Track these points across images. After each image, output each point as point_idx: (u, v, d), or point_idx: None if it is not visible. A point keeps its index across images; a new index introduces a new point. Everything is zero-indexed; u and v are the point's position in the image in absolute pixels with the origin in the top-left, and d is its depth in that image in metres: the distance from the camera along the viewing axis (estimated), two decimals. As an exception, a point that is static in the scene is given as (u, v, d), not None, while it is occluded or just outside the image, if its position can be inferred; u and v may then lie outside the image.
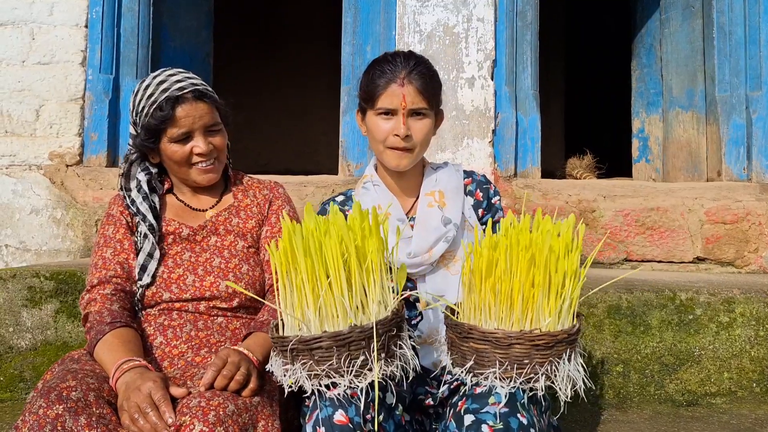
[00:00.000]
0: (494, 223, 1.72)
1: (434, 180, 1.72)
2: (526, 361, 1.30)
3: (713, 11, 3.13)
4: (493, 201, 1.75)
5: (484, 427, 1.29)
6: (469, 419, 1.31)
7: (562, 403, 1.33)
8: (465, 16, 2.96)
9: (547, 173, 4.15)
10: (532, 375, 1.30)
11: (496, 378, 1.31)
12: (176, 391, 1.35)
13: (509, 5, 3.02)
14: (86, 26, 3.02)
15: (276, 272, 1.35)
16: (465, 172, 1.77)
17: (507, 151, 3.01)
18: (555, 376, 1.31)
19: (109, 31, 3.01)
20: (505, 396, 1.32)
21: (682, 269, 2.81)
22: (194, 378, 1.47)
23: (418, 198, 1.72)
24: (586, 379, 1.34)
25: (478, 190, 1.75)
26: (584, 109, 6.13)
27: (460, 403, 1.37)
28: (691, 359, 2.08)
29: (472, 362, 1.34)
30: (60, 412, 1.29)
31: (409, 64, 1.63)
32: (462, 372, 1.35)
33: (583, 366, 1.35)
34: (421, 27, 2.96)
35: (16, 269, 2.28)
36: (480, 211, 1.73)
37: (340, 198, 1.81)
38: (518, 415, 1.30)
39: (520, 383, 1.30)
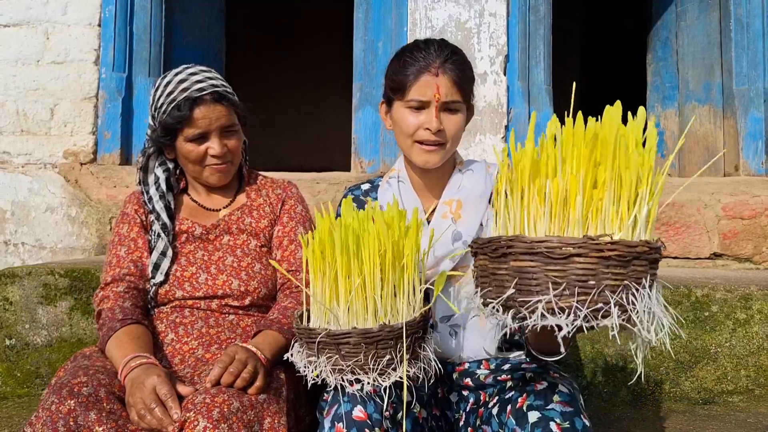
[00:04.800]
0: None
1: (457, 186, 1.61)
2: (592, 283, 0.93)
3: (730, 3, 3.08)
4: None
5: (552, 425, 1.24)
6: (534, 416, 1.27)
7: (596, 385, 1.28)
8: (477, 11, 2.94)
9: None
10: (600, 305, 0.94)
11: (549, 311, 0.95)
12: (183, 389, 1.36)
13: (522, 0, 2.99)
14: (99, 25, 3.04)
15: (307, 263, 1.34)
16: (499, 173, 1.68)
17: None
18: (633, 308, 0.96)
19: (121, 29, 3.03)
20: (568, 395, 1.28)
21: (699, 265, 2.77)
22: (203, 375, 1.48)
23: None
24: (673, 326, 0.99)
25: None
26: (600, 103, 6.06)
27: (520, 399, 1.32)
28: (707, 357, 2.05)
29: (512, 290, 0.97)
30: (72, 407, 1.30)
31: (444, 52, 1.51)
32: (496, 307, 1.02)
33: (666, 306, 1.00)
34: (433, 22, 2.94)
35: (31, 267, 2.31)
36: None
37: (366, 186, 1.74)
38: (582, 416, 1.26)
39: (584, 317, 0.94)
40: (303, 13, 6.43)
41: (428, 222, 1.62)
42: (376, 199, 1.68)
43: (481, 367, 1.52)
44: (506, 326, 1.05)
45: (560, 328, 0.96)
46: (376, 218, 1.26)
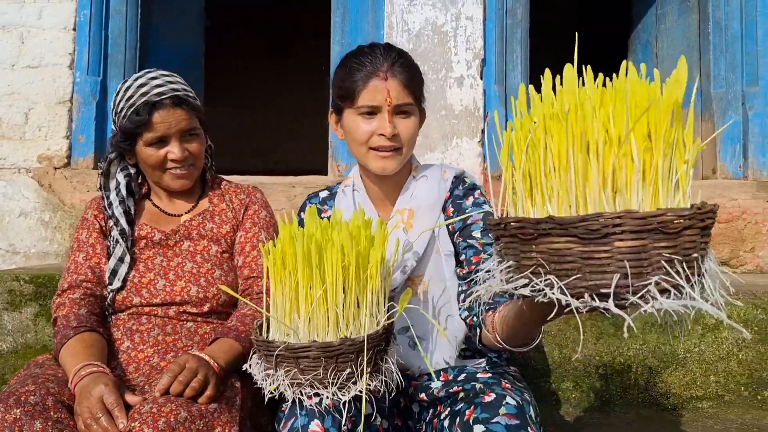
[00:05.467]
0: (465, 229, 1.52)
1: (410, 194, 1.57)
2: (644, 257, 0.82)
3: (709, 5, 3.07)
4: (467, 211, 1.55)
5: None
6: (479, 429, 1.24)
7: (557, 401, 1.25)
8: (453, 15, 2.93)
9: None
10: (647, 282, 0.82)
11: (592, 295, 0.84)
12: (131, 398, 1.34)
13: (498, 3, 2.98)
14: (74, 29, 3.02)
15: (267, 274, 1.31)
16: (456, 179, 1.60)
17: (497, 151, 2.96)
18: (694, 281, 0.83)
19: (96, 33, 3.01)
20: (515, 407, 1.25)
21: (675, 269, 2.75)
22: (157, 384, 1.46)
23: None
24: (719, 305, 0.85)
25: (451, 206, 1.58)
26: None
27: (468, 412, 1.30)
28: (675, 362, 2.03)
29: (551, 275, 0.86)
30: (18, 416, 1.29)
31: (391, 55, 1.49)
32: (532, 287, 0.90)
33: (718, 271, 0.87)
34: (410, 26, 2.93)
35: (-2, 273, 2.29)
36: (450, 227, 1.56)
37: (324, 194, 1.72)
38: (529, 428, 1.23)
39: (630, 302, 0.83)
40: (300, 16, 6.44)
41: None
42: (332, 206, 1.67)
43: (439, 379, 1.50)
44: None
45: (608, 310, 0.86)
46: (341, 228, 1.24)
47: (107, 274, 1.66)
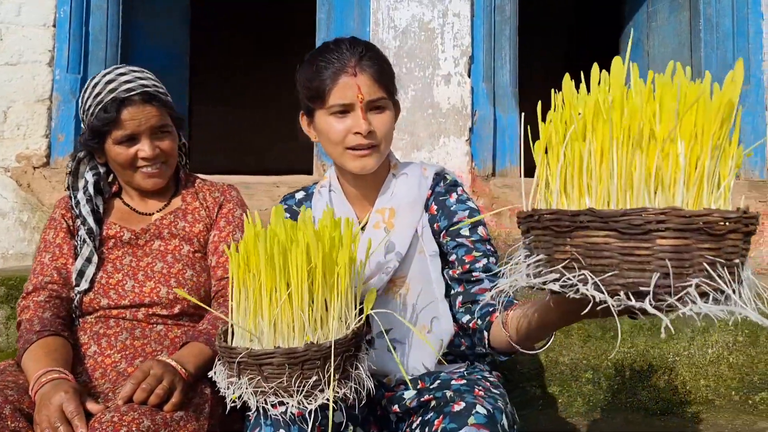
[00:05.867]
0: (452, 228, 1.47)
1: (390, 192, 1.52)
2: (687, 257, 0.79)
3: (700, 3, 3.03)
4: (452, 208, 1.49)
5: None
6: None
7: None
8: (441, 11, 2.87)
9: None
10: (687, 283, 0.79)
11: (628, 293, 0.80)
12: (92, 406, 1.28)
13: (486, 0, 2.93)
14: (54, 26, 2.96)
15: (231, 277, 1.26)
16: (437, 176, 1.55)
17: (485, 150, 2.92)
18: (734, 287, 0.80)
19: (77, 30, 2.95)
20: (485, 416, 1.19)
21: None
22: (122, 390, 1.40)
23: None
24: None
25: (434, 204, 1.52)
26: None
27: (437, 422, 1.24)
28: (664, 366, 1.98)
29: (585, 270, 0.82)
30: None
31: (357, 50, 1.43)
32: (563, 282, 0.85)
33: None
34: (396, 22, 2.88)
35: (-31, 274, 2.22)
36: (435, 225, 1.51)
37: (300, 195, 1.67)
38: None
39: (669, 303, 0.79)
40: (296, 15, 6.38)
41: (362, 232, 1.54)
42: (309, 207, 1.61)
43: (416, 387, 1.44)
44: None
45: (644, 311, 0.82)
46: (306, 229, 1.18)
47: (74, 275, 1.60)
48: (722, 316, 0.79)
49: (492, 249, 1.47)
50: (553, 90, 0.98)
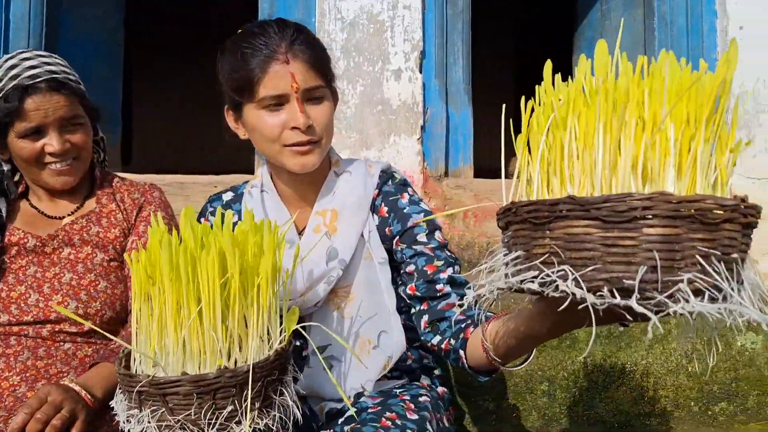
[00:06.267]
0: (407, 233, 1.33)
1: (332, 192, 1.37)
2: (677, 249, 0.70)
3: (654, 0, 2.97)
4: (405, 210, 1.36)
5: None
6: None
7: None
8: (390, 3, 2.73)
9: (491, 172, 3.96)
10: (679, 278, 0.70)
11: (612, 289, 0.71)
12: None
13: (438, -8, 2.80)
14: (-31, 12, 2.71)
15: (134, 291, 1.09)
16: (383, 173, 1.41)
17: (437, 149, 2.79)
18: (732, 285, 0.71)
19: (-6, 17, 2.71)
20: None
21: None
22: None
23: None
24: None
25: (384, 204, 1.38)
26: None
27: None
28: (623, 376, 1.88)
29: (565, 265, 0.73)
30: None
31: (287, 33, 1.28)
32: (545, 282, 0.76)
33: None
34: (343, 14, 2.73)
35: None
36: (387, 230, 1.37)
37: (228, 195, 1.50)
38: None
39: (657, 300, 0.70)
40: (238, 8, 6.15)
41: (300, 237, 1.39)
42: (239, 211, 1.44)
43: (354, 405, 1.30)
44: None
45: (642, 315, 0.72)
46: (220, 234, 1.02)
47: None
48: (719, 316, 0.69)
49: (453, 256, 1.34)
50: (537, 86, 0.92)
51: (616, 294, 0.70)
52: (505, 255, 0.85)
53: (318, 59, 1.30)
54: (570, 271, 0.73)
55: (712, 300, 0.70)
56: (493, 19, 4.82)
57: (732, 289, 0.70)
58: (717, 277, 0.70)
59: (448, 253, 1.33)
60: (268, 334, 1.04)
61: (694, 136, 0.77)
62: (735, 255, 0.72)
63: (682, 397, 1.87)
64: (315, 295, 1.33)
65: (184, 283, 0.99)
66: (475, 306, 1.05)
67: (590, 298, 0.70)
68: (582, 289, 0.71)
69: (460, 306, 1.26)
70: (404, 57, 2.74)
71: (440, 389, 1.43)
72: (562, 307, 0.73)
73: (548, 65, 0.90)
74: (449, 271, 1.30)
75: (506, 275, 0.82)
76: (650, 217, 0.71)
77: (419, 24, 2.74)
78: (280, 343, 1.04)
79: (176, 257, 0.99)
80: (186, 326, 0.99)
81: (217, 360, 0.99)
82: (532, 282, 0.76)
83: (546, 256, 0.76)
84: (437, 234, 1.35)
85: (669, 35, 2.93)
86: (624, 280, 0.70)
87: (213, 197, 1.51)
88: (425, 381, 1.44)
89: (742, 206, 0.73)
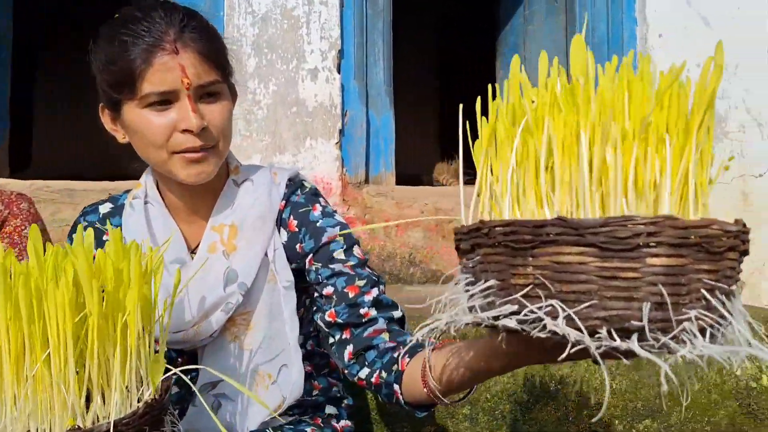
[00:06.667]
0: (321, 250, 1.17)
1: (230, 205, 1.19)
2: (683, 281, 0.62)
3: (576, 6, 2.95)
4: (318, 223, 1.19)
5: None
6: None
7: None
8: (306, -2, 2.57)
9: (416, 179, 3.86)
10: (685, 316, 0.62)
11: (610, 330, 0.62)
12: None
13: (357, -12, 2.66)
14: None
15: None
16: (291, 182, 1.24)
17: (357, 154, 2.65)
18: (740, 322, 0.63)
19: None
20: None
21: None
22: None
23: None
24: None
25: (293, 218, 1.21)
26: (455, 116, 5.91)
27: None
28: (547, 395, 1.79)
29: (554, 300, 0.63)
30: None
31: (176, 17, 1.08)
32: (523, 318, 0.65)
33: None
34: (254, 8, 2.54)
35: None
36: (297, 247, 1.20)
37: (106, 208, 1.29)
38: None
39: (662, 343, 0.61)
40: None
41: (192, 257, 1.21)
42: (119, 226, 1.24)
43: None
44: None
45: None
46: (77, 259, 0.83)
47: None
48: (725, 357, 0.61)
49: (375, 274, 1.18)
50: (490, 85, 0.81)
51: (615, 336, 0.60)
52: (468, 283, 0.72)
53: (213, 49, 1.12)
54: (560, 307, 0.62)
55: (713, 338, 0.62)
56: (414, 14, 4.71)
57: (738, 327, 0.62)
58: (724, 313, 0.62)
59: (370, 271, 1.18)
60: (139, 380, 0.86)
61: (684, 148, 0.66)
62: (733, 287, 0.64)
63: (606, 415, 1.81)
64: (209, 325, 1.16)
65: (26, 323, 0.80)
66: (432, 334, 0.90)
67: (588, 342, 0.60)
68: (580, 330, 0.60)
69: (390, 332, 1.11)
70: (321, 56, 2.58)
71: (341, 423, 1.28)
72: (549, 347, 0.64)
73: (516, 60, 0.80)
74: (374, 292, 1.15)
75: (473, 308, 0.69)
76: (655, 244, 0.61)
77: (337, 21, 2.59)
78: (151, 393, 0.86)
79: (14, 291, 0.79)
80: (28, 378, 0.79)
81: (66, 419, 0.80)
82: (510, 318, 0.65)
83: (529, 288, 0.65)
84: (356, 249, 1.20)
85: (591, 42, 2.91)
86: (626, 321, 0.60)
87: (87, 209, 1.29)
88: (331, 411, 1.29)
89: (743, 232, 0.65)
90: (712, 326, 0.62)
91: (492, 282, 0.69)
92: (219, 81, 1.12)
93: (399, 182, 2.79)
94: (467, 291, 0.71)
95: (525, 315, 0.64)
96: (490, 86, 0.81)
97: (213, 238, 1.18)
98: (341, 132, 2.61)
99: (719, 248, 0.63)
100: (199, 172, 1.11)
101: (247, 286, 1.16)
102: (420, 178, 4.10)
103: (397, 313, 1.15)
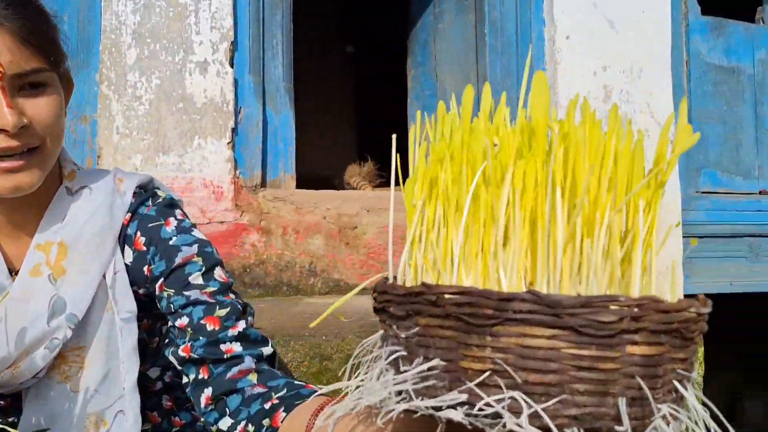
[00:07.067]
0: (175, 273, 0.99)
1: (62, 218, 1.00)
2: (660, 372, 0.55)
3: (485, 5, 2.86)
4: (171, 241, 1.01)
5: None
6: None
7: None
8: (195, -16, 2.35)
9: (328, 182, 3.69)
10: (660, 413, 0.55)
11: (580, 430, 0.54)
12: None
13: (251, -25, 2.46)
14: None
15: None
16: (142, 190, 1.06)
17: (252, 156, 2.44)
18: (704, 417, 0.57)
19: None
20: None
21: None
22: None
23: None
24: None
25: (140, 234, 1.03)
26: (374, 116, 5.79)
27: None
28: None
29: (516, 391, 0.54)
30: None
31: None
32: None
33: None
34: (135, -8, 2.29)
35: None
36: (145, 269, 1.02)
37: None
38: None
39: None
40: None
41: (14, 280, 0.99)
42: None
43: None
44: None
45: None
46: None
47: None
48: None
49: (241, 302, 0.99)
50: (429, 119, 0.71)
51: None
52: (399, 359, 0.58)
53: (36, 30, 0.92)
54: (525, 401, 0.51)
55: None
56: (319, 3, 4.54)
57: (706, 424, 0.55)
58: (695, 406, 0.54)
59: (235, 299, 0.99)
60: None
61: (633, 214, 0.58)
62: (693, 373, 0.57)
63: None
64: (33, 363, 0.95)
65: None
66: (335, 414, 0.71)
67: None
68: (549, 430, 0.50)
69: (260, 373, 0.93)
70: (211, 47, 2.36)
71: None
72: None
73: (487, 88, 0.70)
74: (240, 324, 0.96)
75: (404, 393, 0.56)
76: (634, 330, 0.52)
77: (230, 11, 2.38)
78: None
79: None
80: None
81: None
82: (458, 410, 0.53)
83: (487, 374, 0.53)
84: (218, 272, 1.00)
85: (500, 42, 2.83)
86: (598, 419, 0.51)
87: None
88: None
89: (705, 312, 0.57)
90: (676, 418, 0.54)
91: (435, 362, 0.55)
92: (45, 69, 0.93)
93: (306, 185, 2.61)
94: (401, 370, 0.57)
95: (480, 409, 0.52)
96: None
97: (37, 259, 0.98)
98: (234, 131, 2.40)
99: (692, 333, 0.55)
100: (16, 184, 0.92)
101: (78, 319, 0.97)
102: (332, 180, 3.94)
103: (267, 350, 0.98)
